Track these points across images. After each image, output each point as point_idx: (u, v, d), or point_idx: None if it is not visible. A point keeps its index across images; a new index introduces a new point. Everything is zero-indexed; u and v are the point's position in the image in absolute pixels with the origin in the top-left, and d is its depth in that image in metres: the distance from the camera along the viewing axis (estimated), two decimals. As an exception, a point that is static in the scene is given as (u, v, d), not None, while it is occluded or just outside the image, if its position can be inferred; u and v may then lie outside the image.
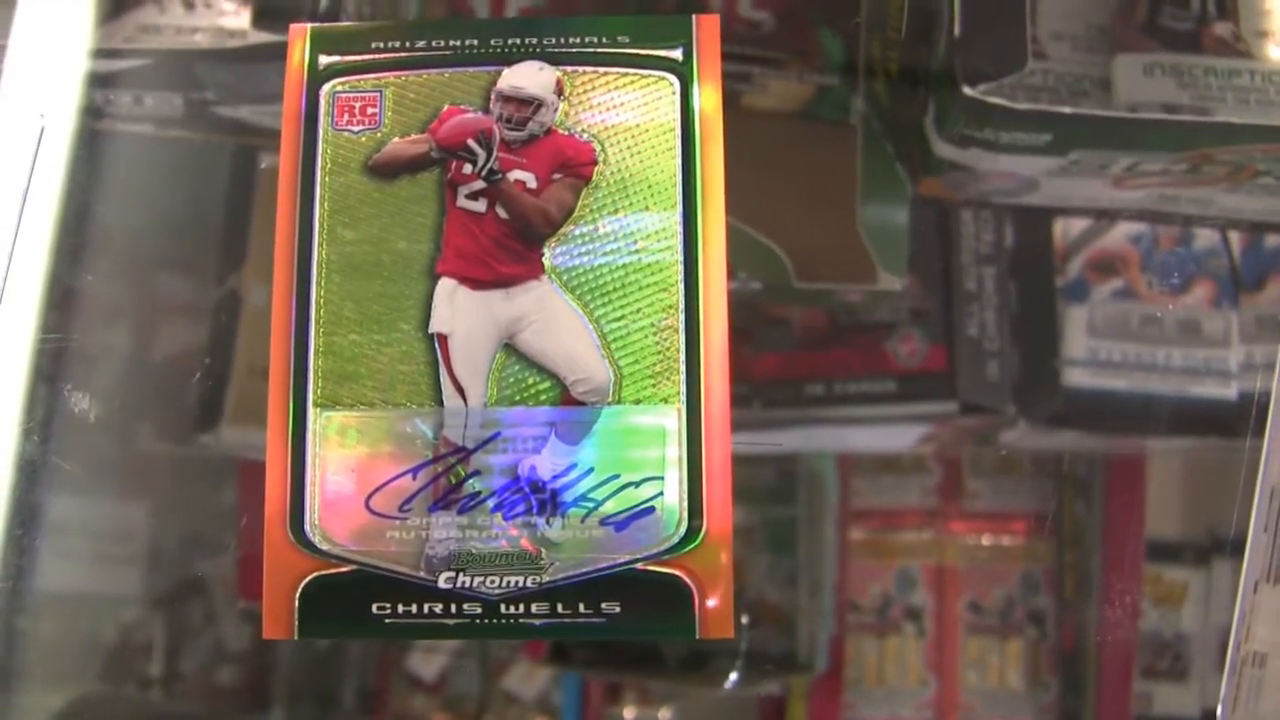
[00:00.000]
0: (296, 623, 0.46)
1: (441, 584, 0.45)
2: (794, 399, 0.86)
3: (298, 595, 0.46)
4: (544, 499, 0.46)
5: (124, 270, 0.78)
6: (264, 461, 0.46)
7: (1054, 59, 0.71)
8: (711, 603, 0.45)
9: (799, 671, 0.93)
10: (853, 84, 0.71)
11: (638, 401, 0.46)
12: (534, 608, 0.46)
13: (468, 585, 0.45)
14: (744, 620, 0.92)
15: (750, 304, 0.84)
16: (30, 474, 0.64)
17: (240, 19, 0.63)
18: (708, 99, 0.48)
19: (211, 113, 0.67)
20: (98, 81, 0.66)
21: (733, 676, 0.87)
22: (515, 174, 0.48)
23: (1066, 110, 0.66)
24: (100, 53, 0.66)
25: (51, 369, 0.68)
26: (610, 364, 0.47)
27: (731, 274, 0.69)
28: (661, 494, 0.46)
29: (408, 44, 0.49)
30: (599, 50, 0.49)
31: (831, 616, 0.95)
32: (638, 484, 0.46)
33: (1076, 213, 0.79)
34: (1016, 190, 0.73)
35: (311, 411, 0.46)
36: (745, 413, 0.87)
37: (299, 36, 0.49)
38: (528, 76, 0.48)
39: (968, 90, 0.65)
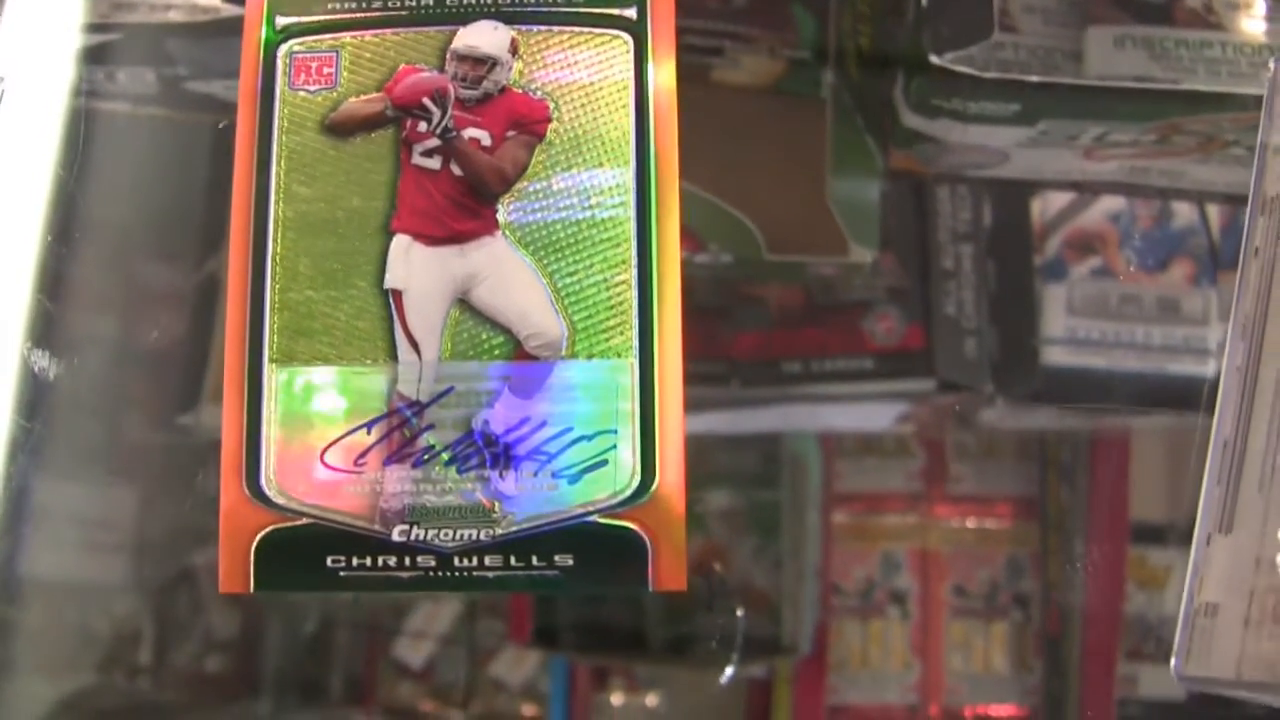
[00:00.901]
0: (253, 576, 0.46)
1: (395, 537, 0.46)
2: (772, 377, 0.86)
3: (253, 549, 0.46)
4: (497, 453, 0.46)
5: (105, 254, 0.78)
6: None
7: (1026, 32, 0.72)
8: (665, 555, 0.46)
9: (784, 655, 0.93)
10: (824, 59, 0.72)
11: (590, 356, 0.47)
12: (487, 560, 0.46)
13: (422, 538, 0.46)
14: (738, 612, 0.92)
15: (728, 282, 0.85)
16: (17, 459, 0.64)
17: (213, -7, 0.64)
18: (661, 57, 0.49)
19: (184, 89, 0.67)
20: (73, 57, 0.67)
21: (727, 671, 0.88)
22: (470, 132, 0.49)
23: (1034, 79, 0.66)
24: (75, 27, 0.66)
25: (38, 352, 0.68)
26: (564, 319, 0.47)
27: (703, 246, 0.70)
28: (615, 447, 0.46)
29: (364, 4, 0.50)
30: (553, 9, 0.49)
31: (816, 600, 0.95)
32: (591, 437, 0.46)
33: (1049, 186, 0.80)
34: (987, 163, 0.74)
35: (267, 367, 0.47)
36: (723, 391, 0.88)
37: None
38: (482, 36, 0.49)
39: (935, 59, 0.65)
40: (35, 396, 0.68)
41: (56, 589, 0.86)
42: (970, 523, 0.98)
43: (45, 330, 0.68)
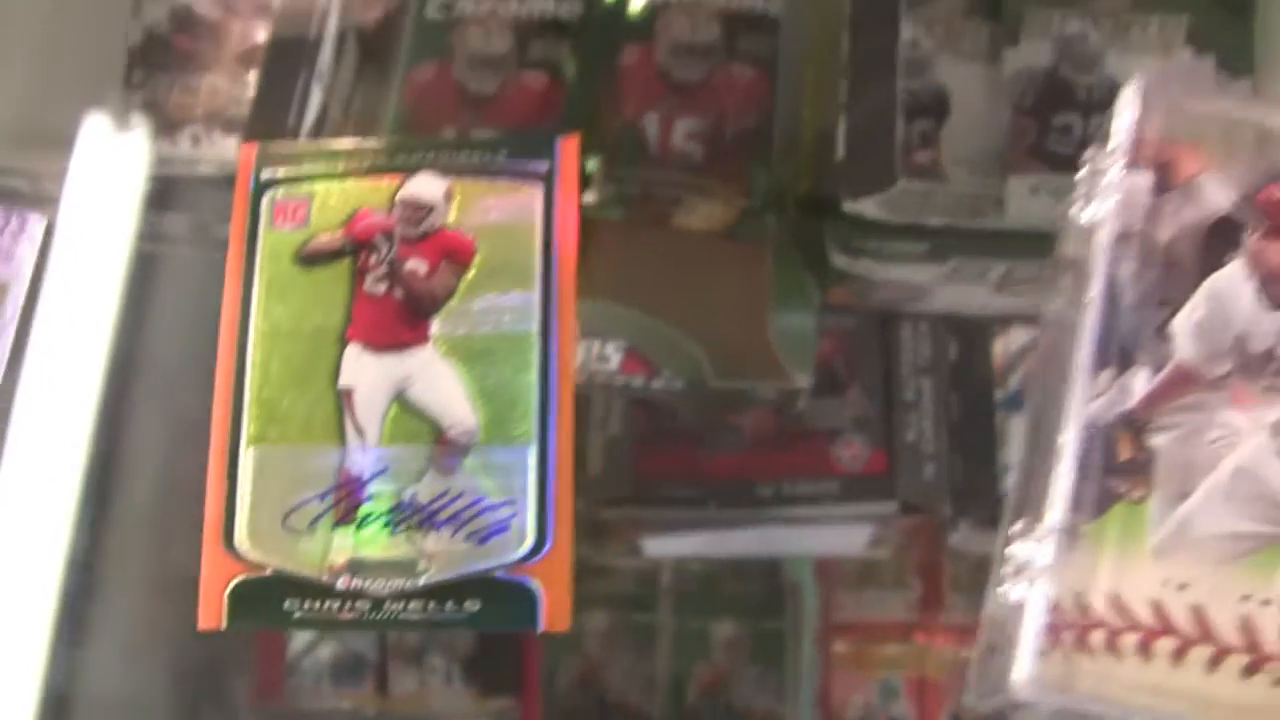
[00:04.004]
0: (225, 615, 0.65)
1: (339, 585, 0.65)
2: (745, 499, 1.04)
3: (226, 593, 0.65)
4: (423, 519, 0.65)
5: (153, 387, 0.96)
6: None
7: (954, 181, 0.90)
8: (553, 603, 0.64)
9: None
10: (770, 207, 0.91)
11: (499, 443, 0.66)
12: (411, 605, 0.64)
13: (360, 587, 0.65)
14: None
15: (704, 410, 1.03)
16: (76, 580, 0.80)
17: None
18: (566, 203, 0.69)
19: (210, 232, 0.89)
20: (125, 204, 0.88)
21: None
22: (411, 262, 0.69)
23: (935, 222, 0.85)
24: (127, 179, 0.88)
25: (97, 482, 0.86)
26: (479, 413, 0.66)
27: (656, 372, 0.89)
28: (516, 515, 0.65)
29: (331, 161, 0.71)
30: (481, 164, 0.69)
31: None
32: (497, 507, 0.65)
33: (971, 319, 0.97)
34: (912, 297, 0.92)
35: (244, 447, 0.67)
36: (700, 513, 1.05)
37: (248, 154, 0.71)
38: (423, 186, 0.69)
39: (847, 205, 0.84)
40: (92, 521, 0.85)
41: (99, 704, 0.99)
42: (966, 652, 1.12)
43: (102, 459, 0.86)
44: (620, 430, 1.02)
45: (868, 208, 0.83)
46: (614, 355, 0.86)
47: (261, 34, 0.92)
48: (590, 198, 0.88)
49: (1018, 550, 0.58)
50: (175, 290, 0.90)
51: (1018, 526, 0.58)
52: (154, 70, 0.92)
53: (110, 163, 0.86)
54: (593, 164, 0.87)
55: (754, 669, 1.12)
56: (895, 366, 1.01)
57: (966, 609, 1.10)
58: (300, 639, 1.06)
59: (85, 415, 0.81)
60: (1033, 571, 0.57)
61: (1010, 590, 0.58)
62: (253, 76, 0.91)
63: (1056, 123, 0.85)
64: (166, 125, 0.89)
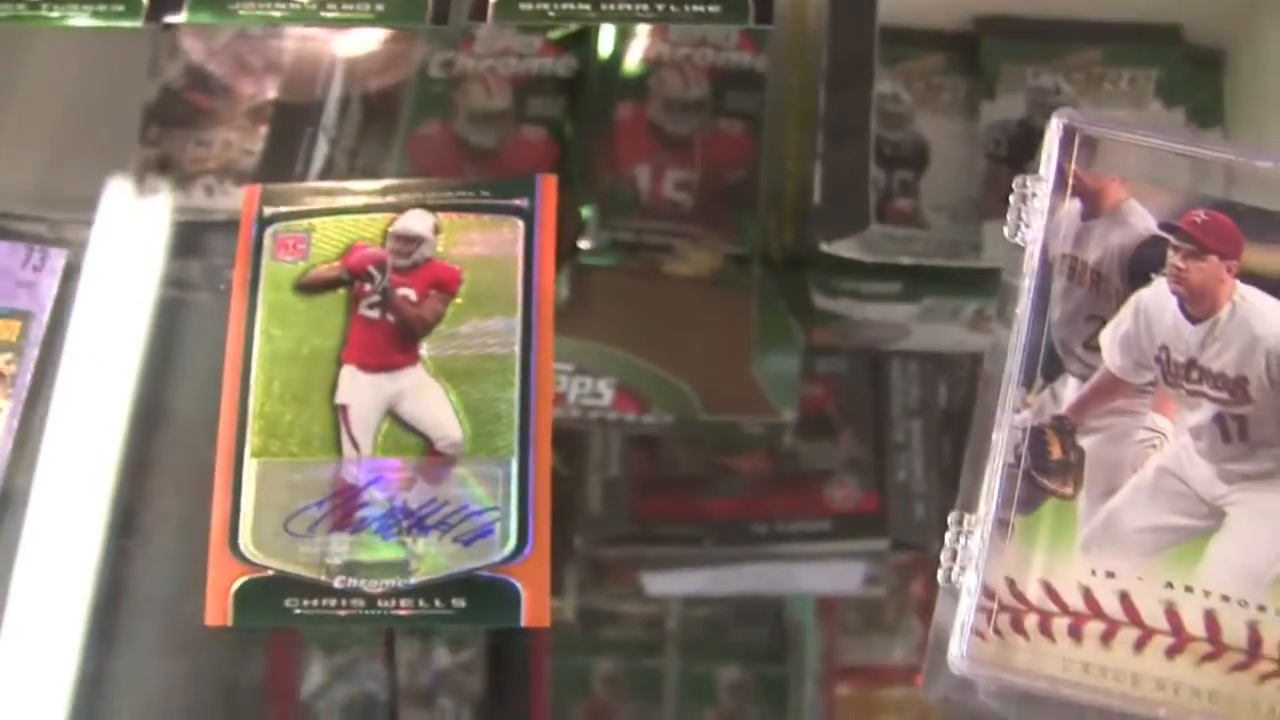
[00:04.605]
0: (231, 613, 0.75)
1: (336, 584, 0.74)
2: (741, 538, 1.12)
3: (232, 593, 0.75)
4: (412, 523, 0.75)
5: (174, 436, 1.00)
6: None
7: (934, 227, 0.99)
8: (533, 601, 0.74)
9: None
10: (755, 253, 1.01)
11: (482, 455, 0.76)
12: (403, 602, 0.73)
13: (355, 586, 0.74)
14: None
15: (700, 451, 1.12)
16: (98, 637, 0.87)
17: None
18: (545, 235, 0.78)
19: (221, 275, 0.99)
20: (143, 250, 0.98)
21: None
22: (401, 290, 0.78)
23: (905, 261, 0.95)
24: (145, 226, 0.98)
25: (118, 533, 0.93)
26: (464, 427, 0.76)
27: (647, 409, 0.99)
28: (499, 520, 0.74)
29: (328, 198, 0.81)
30: (466, 201, 0.80)
31: None
32: (481, 513, 0.74)
33: (960, 361, 1.06)
34: (893, 336, 1.01)
35: (248, 459, 0.76)
36: (697, 550, 1.14)
37: (253, 194, 0.82)
38: (414, 221, 0.79)
39: (823, 247, 0.94)
40: (113, 573, 0.92)
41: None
42: None
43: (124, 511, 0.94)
44: (619, 472, 1.09)
45: (844, 249, 0.91)
46: (606, 392, 0.94)
47: (271, 92, 1.02)
48: (585, 245, 0.97)
49: (957, 541, 0.66)
50: (188, 331, 0.99)
51: (955, 517, 0.66)
52: (170, 126, 1.01)
53: (132, 220, 0.95)
54: (588, 213, 0.97)
55: (759, 713, 1.15)
56: (886, 409, 1.07)
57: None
58: (313, 681, 1.15)
59: (109, 457, 0.88)
60: (969, 560, 0.66)
61: (949, 577, 0.66)
62: (263, 131, 1.00)
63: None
64: (182, 177, 0.98)
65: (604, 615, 1.11)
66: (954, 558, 0.67)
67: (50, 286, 0.82)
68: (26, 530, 0.82)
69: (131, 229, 0.93)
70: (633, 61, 1.02)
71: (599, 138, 1.00)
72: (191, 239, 0.95)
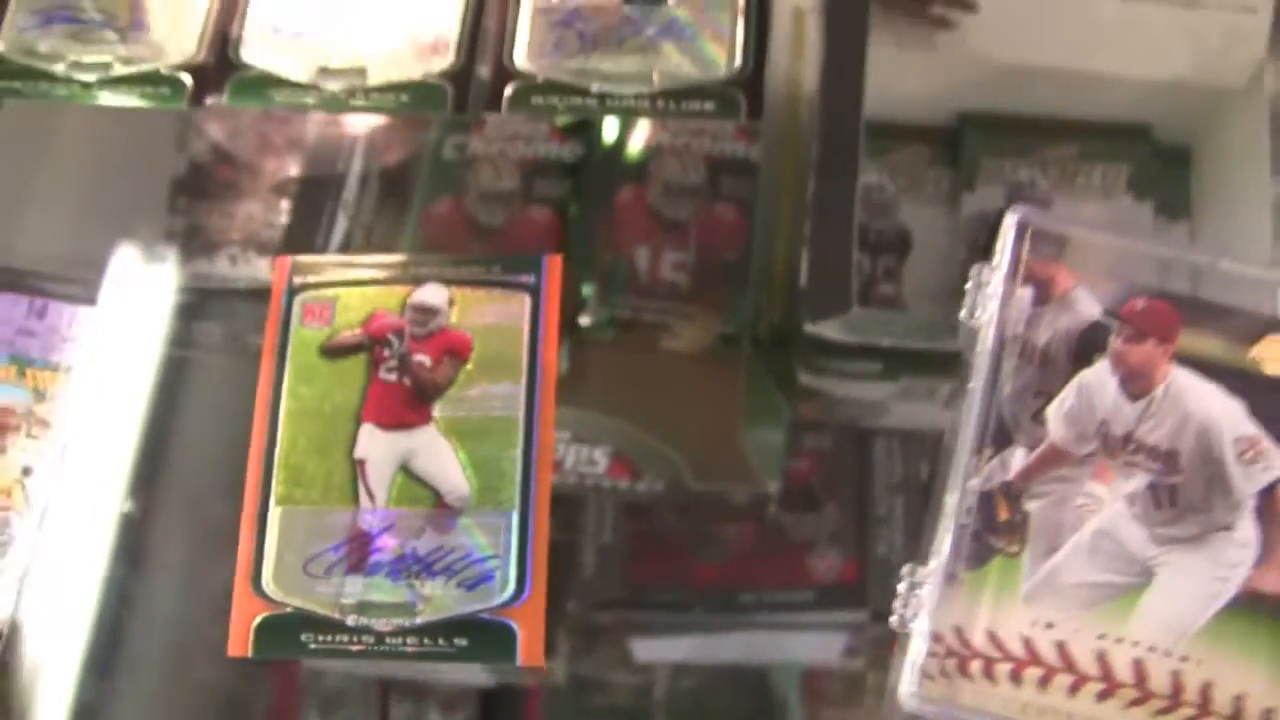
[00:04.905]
0: (251, 645, 0.85)
1: (349, 622, 0.83)
2: (728, 606, 1.18)
3: (253, 627, 0.85)
4: (421, 569, 0.84)
5: (181, 495, 1.09)
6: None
7: (915, 310, 1.08)
8: (529, 641, 0.84)
9: None
10: (745, 332, 1.11)
11: (489, 507, 0.86)
12: (409, 640, 0.83)
13: (367, 623, 0.84)
14: None
15: (687, 517, 1.21)
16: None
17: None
18: (549, 308, 0.89)
19: (244, 341, 1.10)
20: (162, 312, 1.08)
21: None
22: (418, 356, 0.88)
23: (884, 343, 1.04)
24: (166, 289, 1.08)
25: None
26: (472, 481, 0.87)
27: (639, 476, 1.09)
28: (500, 568, 0.85)
29: (353, 272, 0.92)
30: (478, 278, 0.91)
31: None
32: (484, 560, 0.85)
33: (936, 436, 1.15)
34: (873, 413, 1.11)
35: (273, 506, 0.87)
36: (685, 617, 1.22)
37: (284, 265, 0.92)
38: (430, 294, 0.89)
39: (807, 327, 1.04)
40: (113, 626, 0.99)
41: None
42: None
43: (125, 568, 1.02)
44: (611, 539, 1.16)
45: (828, 330, 0.98)
46: (601, 459, 1.03)
47: (294, 168, 1.11)
48: (585, 320, 1.07)
49: (910, 591, 0.76)
50: (210, 394, 1.08)
51: (908, 569, 0.76)
52: (196, 198, 1.09)
53: (155, 285, 1.04)
54: (588, 290, 1.07)
55: None
56: (869, 484, 1.13)
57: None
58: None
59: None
60: (919, 606, 0.76)
61: (901, 621, 0.76)
62: (285, 205, 1.09)
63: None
64: (207, 246, 1.06)
65: (594, 683, 1.16)
66: (905, 605, 0.74)
67: (87, 341, 0.92)
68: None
69: (155, 294, 1.02)
70: (634, 148, 1.10)
71: (601, 219, 1.08)
72: (215, 305, 1.04)
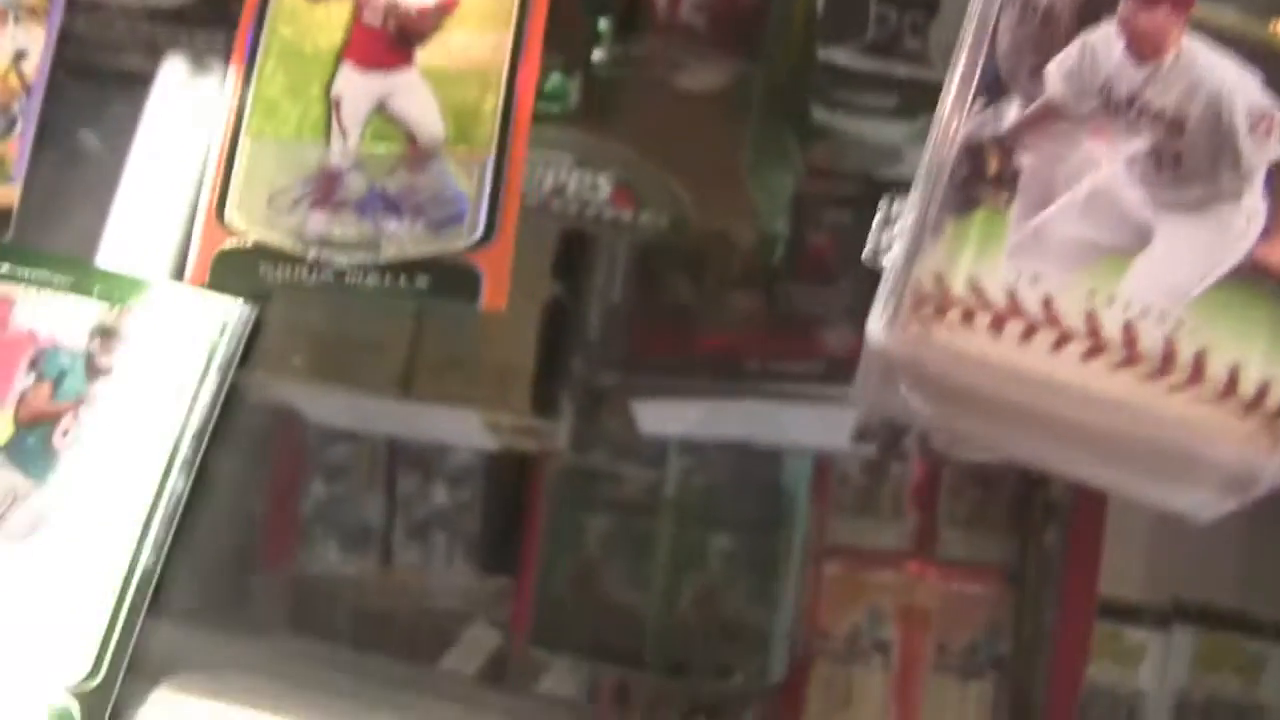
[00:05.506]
0: (210, 275, 0.83)
1: (309, 255, 0.82)
2: (733, 373, 1.17)
3: (212, 259, 0.83)
4: (388, 207, 0.83)
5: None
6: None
7: (939, 69, 1.06)
8: (493, 286, 0.82)
9: (766, 687, 1.19)
10: (762, 73, 1.08)
11: (462, 151, 0.84)
12: (370, 278, 0.81)
13: (328, 258, 0.82)
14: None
15: (698, 287, 1.19)
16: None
17: None
18: None
19: None
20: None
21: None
22: (404, 1, 0.87)
23: (900, 73, 1.02)
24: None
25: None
26: (448, 126, 0.84)
27: (642, 207, 1.06)
28: (469, 210, 0.82)
29: None
30: None
31: (800, 640, 1.20)
32: (454, 202, 0.82)
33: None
34: (885, 160, 1.08)
35: (243, 138, 0.85)
36: (689, 381, 1.21)
37: None
38: None
39: (821, 52, 1.01)
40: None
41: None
42: (955, 585, 1.22)
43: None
44: (619, 299, 1.16)
45: (840, 57, 0.98)
46: (604, 186, 1.01)
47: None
48: (599, 56, 1.05)
49: (885, 223, 0.73)
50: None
51: (885, 200, 0.73)
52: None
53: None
54: (604, 24, 1.05)
55: (746, 582, 1.22)
56: None
57: (961, 545, 1.22)
58: (313, 499, 1.22)
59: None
60: (892, 240, 0.72)
61: (873, 256, 0.73)
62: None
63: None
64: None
65: (605, 475, 1.18)
66: (887, 248, 0.72)
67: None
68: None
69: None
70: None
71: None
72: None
